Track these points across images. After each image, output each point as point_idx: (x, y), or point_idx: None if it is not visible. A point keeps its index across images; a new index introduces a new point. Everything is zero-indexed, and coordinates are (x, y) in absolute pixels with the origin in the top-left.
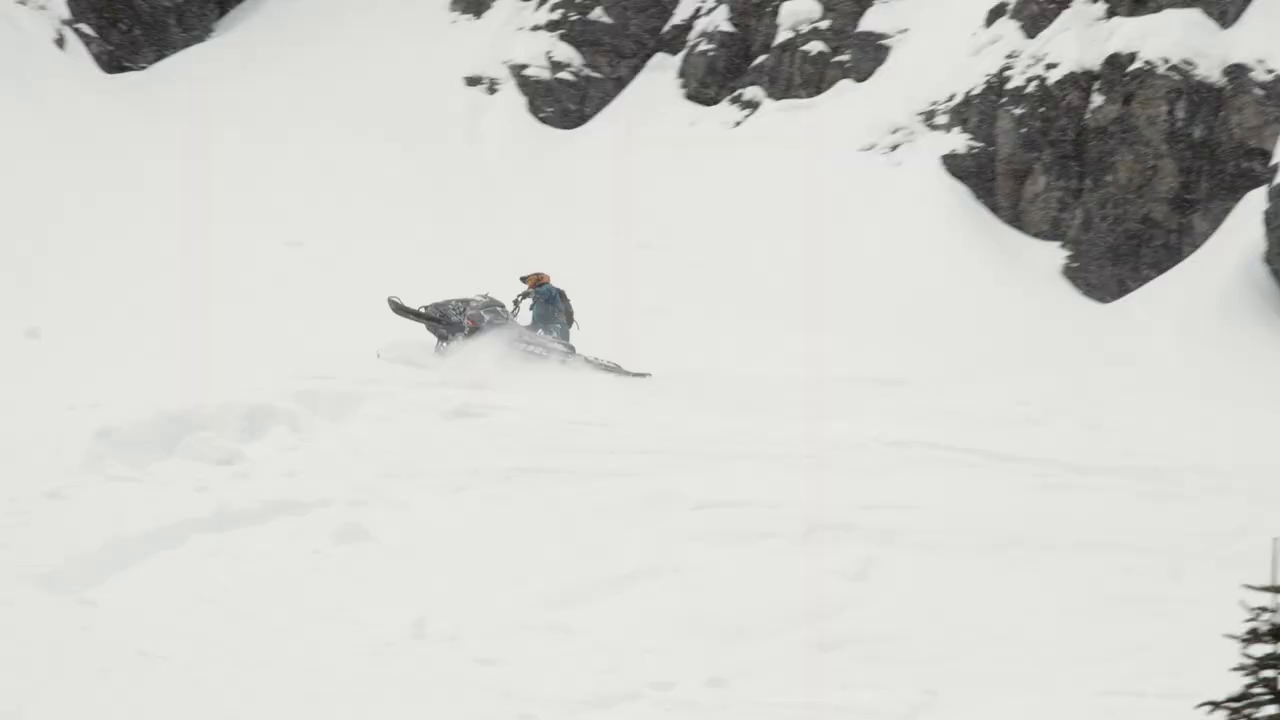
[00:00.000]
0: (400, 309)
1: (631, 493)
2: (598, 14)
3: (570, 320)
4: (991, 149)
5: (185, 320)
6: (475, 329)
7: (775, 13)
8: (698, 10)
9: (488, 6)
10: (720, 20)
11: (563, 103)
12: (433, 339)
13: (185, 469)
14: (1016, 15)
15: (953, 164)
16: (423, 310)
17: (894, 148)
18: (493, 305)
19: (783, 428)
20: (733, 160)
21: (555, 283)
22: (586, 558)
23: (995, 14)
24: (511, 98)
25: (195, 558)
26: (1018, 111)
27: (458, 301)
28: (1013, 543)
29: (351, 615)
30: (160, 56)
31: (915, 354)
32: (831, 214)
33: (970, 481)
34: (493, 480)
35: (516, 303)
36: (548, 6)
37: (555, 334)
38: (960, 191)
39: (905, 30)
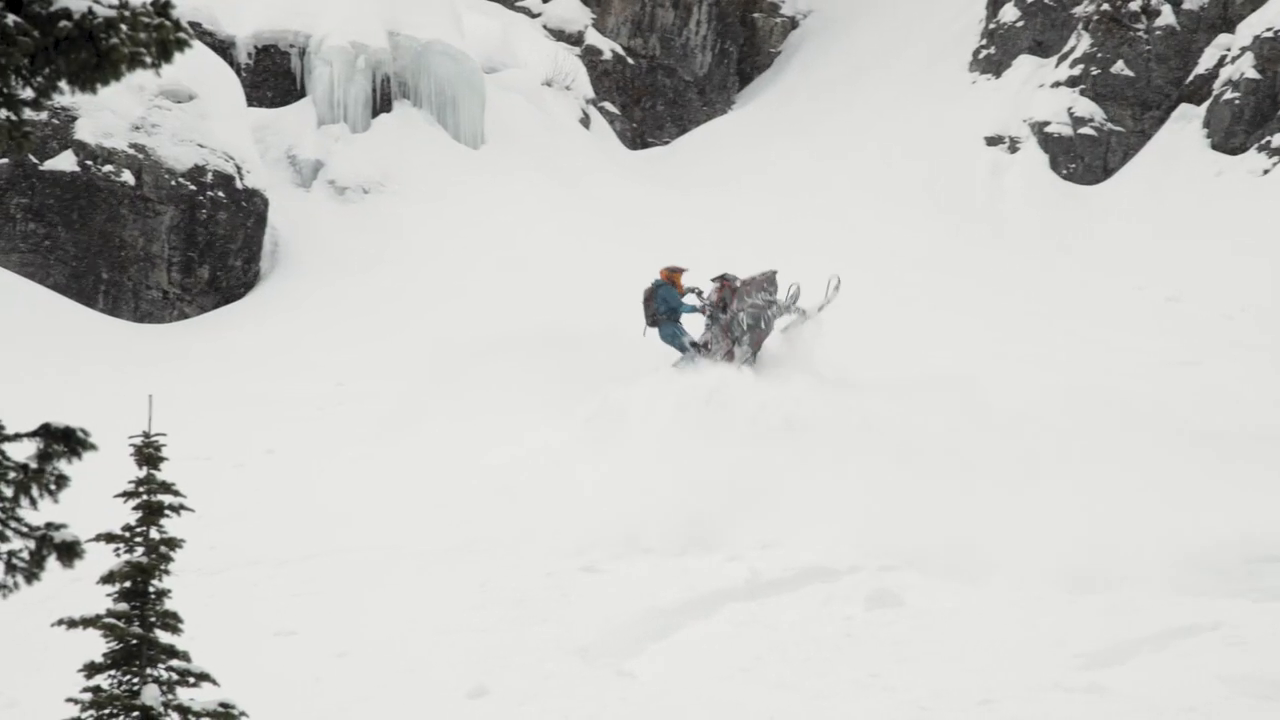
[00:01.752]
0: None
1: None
2: (1119, 67)
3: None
4: None
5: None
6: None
7: None
8: (1223, 58)
9: (1007, 65)
10: (1246, 67)
11: (1085, 158)
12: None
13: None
14: None
15: None
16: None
17: None
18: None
19: None
20: (1262, 210)
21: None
22: (1121, 617)
23: None
24: (1033, 155)
25: (729, 627)
26: None
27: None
28: None
29: (885, 681)
30: (683, 130)
31: None
32: None
33: None
34: None
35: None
36: (1068, 62)
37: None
38: None
39: None
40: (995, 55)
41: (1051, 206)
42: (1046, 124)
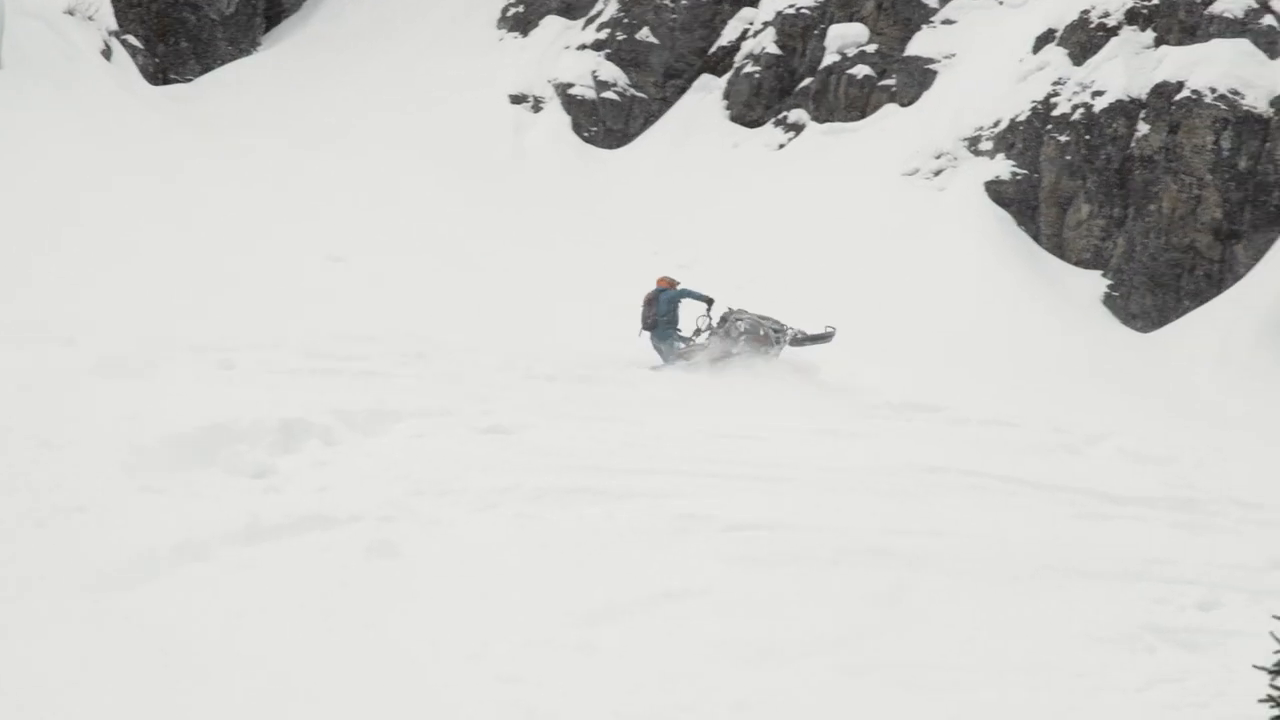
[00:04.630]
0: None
1: (662, 514)
2: (644, 34)
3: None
4: (1035, 176)
5: (222, 332)
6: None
7: (823, 36)
8: (745, 32)
9: (535, 25)
10: (767, 42)
11: (607, 122)
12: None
13: (218, 482)
14: (1064, 42)
15: (996, 190)
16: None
17: (937, 173)
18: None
19: (818, 451)
20: (775, 183)
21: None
22: (616, 577)
23: (1043, 40)
24: (556, 116)
25: (226, 571)
26: (1063, 139)
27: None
28: (1045, 571)
29: (378, 631)
30: (206, 69)
31: (954, 380)
32: (874, 239)
33: (1004, 509)
34: (524, 498)
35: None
36: (595, 26)
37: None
38: (1003, 218)
39: (952, 55)
40: (523, 14)
41: (573, 168)
42: (571, 86)
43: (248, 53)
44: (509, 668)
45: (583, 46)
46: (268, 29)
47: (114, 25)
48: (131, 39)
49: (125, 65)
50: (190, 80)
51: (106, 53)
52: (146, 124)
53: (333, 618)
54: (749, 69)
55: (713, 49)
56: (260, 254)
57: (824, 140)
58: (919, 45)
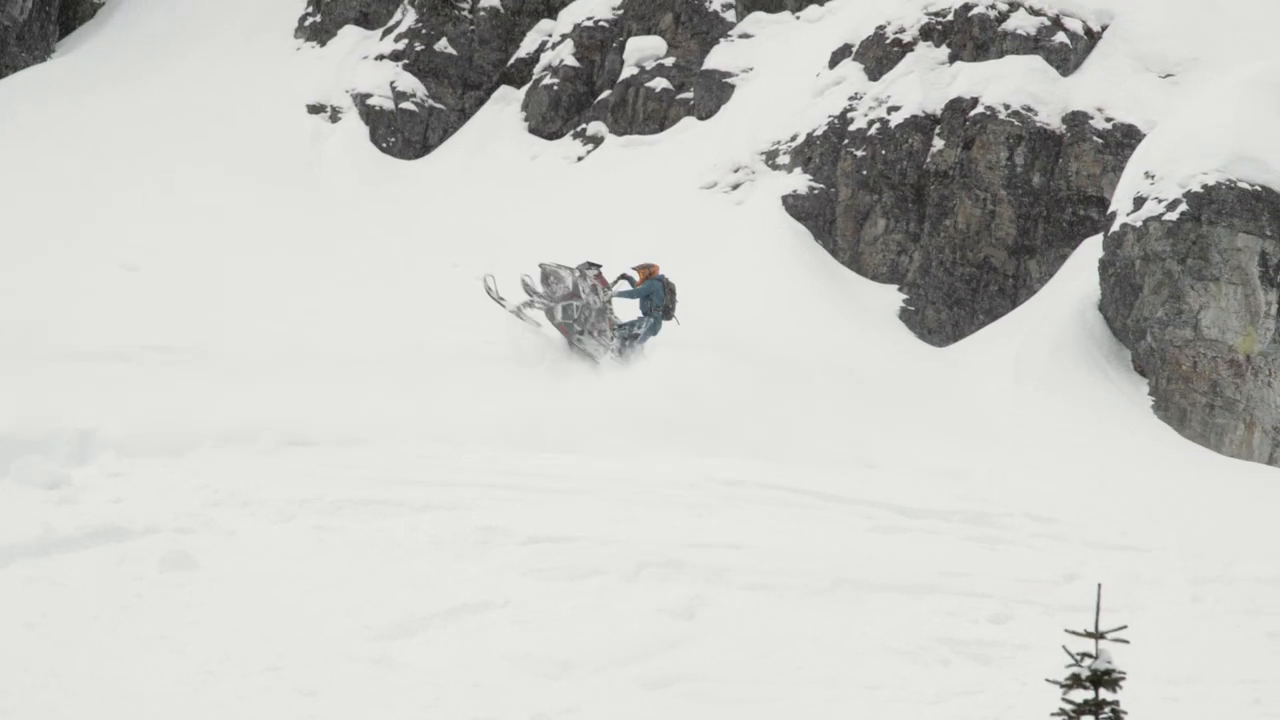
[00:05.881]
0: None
1: (462, 526)
2: (443, 45)
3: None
4: (832, 191)
5: (11, 340)
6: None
7: (621, 49)
8: (543, 44)
9: (332, 35)
10: (565, 55)
11: (405, 133)
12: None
13: (10, 492)
14: (860, 58)
15: (793, 204)
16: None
17: (735, 186)
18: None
19: (616, 464)
20: (574, 196)
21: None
22: (415, 590)
23: (839, 55)
24: (354, 126)
25: (17, 582)
26: (859, 153)
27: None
28: (841, 584)
29: (174, 643)
30: (0, 76)
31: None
32: (672, 251)
33: (801, 522)
34: (323, 510)
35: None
36: (393, 36)
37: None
38: (800, 232)
39: (750, 69)
40: (321, 23)
41: (371, 179)
42: (369, 96)
43: (42, 60)
44: (307, 680)
45: (381, 57)
46: (63, 35)
47: None
48: None
49: None
50: None
51: None
52: None
53: (127, 629)
54: (547, 81)
55: (511, 61)
56: (52, 261)
57: (623, 153)
58: (717, 59)
